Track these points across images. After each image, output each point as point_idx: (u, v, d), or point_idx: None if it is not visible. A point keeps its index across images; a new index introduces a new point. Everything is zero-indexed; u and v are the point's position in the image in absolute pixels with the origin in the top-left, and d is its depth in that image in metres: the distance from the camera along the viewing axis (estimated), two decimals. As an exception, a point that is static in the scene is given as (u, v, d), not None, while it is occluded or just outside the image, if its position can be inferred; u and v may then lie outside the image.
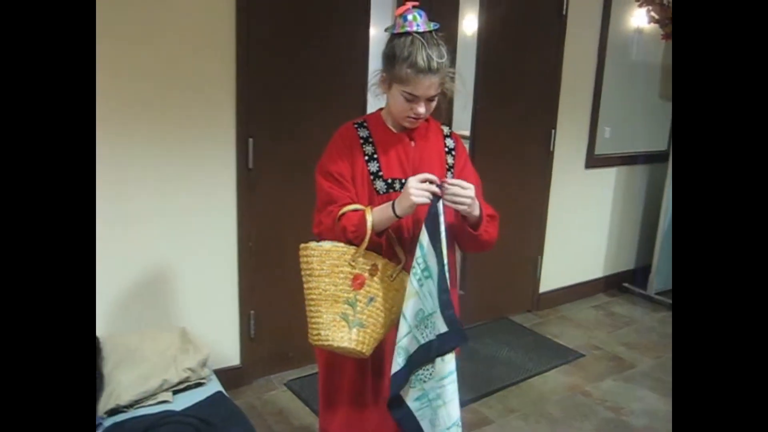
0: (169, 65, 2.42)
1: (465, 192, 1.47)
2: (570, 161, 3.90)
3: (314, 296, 1.53)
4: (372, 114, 1.70)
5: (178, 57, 2.43)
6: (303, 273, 1.54)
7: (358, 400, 1.69)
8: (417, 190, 1.45)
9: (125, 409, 1.96)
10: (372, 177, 1.60)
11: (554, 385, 3.06)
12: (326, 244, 1.53)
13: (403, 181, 1.58)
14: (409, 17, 1.50)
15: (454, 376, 1.48)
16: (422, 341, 1.50)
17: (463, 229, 1.57)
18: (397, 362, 1.50)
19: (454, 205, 1.48)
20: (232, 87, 2.58)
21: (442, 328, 1.46)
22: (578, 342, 3.57)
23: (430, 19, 1.54)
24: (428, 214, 1.46)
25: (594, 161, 4.02)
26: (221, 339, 2.79)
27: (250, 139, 2.65)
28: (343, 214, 1.54)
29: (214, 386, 2.16)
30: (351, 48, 2.87)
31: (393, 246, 1.60)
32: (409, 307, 1.49)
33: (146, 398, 2.01)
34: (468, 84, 3.28)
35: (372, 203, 1.58)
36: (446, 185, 1.47)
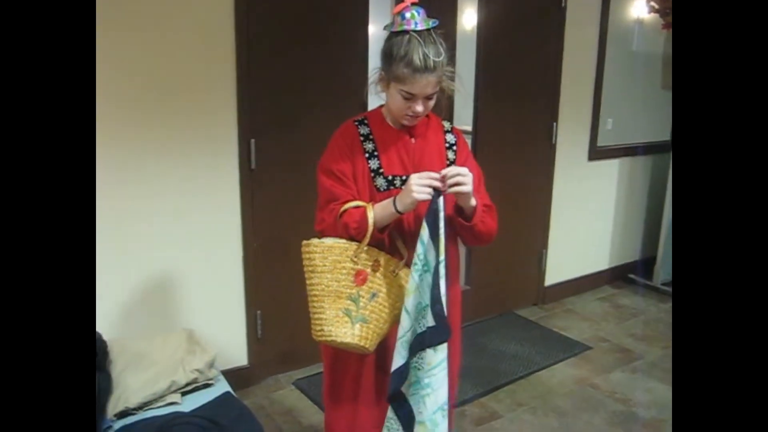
0: (169, 69, 2.43)
1: (465, 179, 1.48)
2: (572, 153, 3.89)
3: (317, 292, 1.54)
4: (373, 111, 1.70)
5: (178, 61, 2.44)
6: (306, 270, 1.55)
7: (362, 395, 1.70)
8: (418, 186, 1.46)
9: (134, 412, 1.98)
10: (373, 174, 1.60)
11: (562, 378, 3.06)
12: (328, 241, 1.54)
13: (404, 178, 1.59)
14: (407, 15, 1.49)
15: (444, 364, 1.50)
16: (418, 331, 1.52)
17: (458, 221, 1.58)
18: (401, 355, 1.51)
19: (458, 188, 1.47)
20: (233, 88, 2.59)
21: (431, 321, 1.49)
22: (585, 334, 3.56)
23: (429, 15, 1.53)
24: (429, 211, 1.48)
25: (597, 153, 4.01)
26: (228, 339, 2.80)
27: (252, 140, 2.66)
28: (345, 210, 1.55)
29: (222, 387, 2.17)
30: (351, 46, 2.87)
31: (395, 241, 1.61)
32: (410, 302, 1.51)
33: (155, 400, 2.02)
34: (467, 81, 3.28)
35: (373, 200, 1.58)
36: (447, 174, 1.47)
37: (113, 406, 1.96)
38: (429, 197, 1.46)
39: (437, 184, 1.47)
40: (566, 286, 4.10)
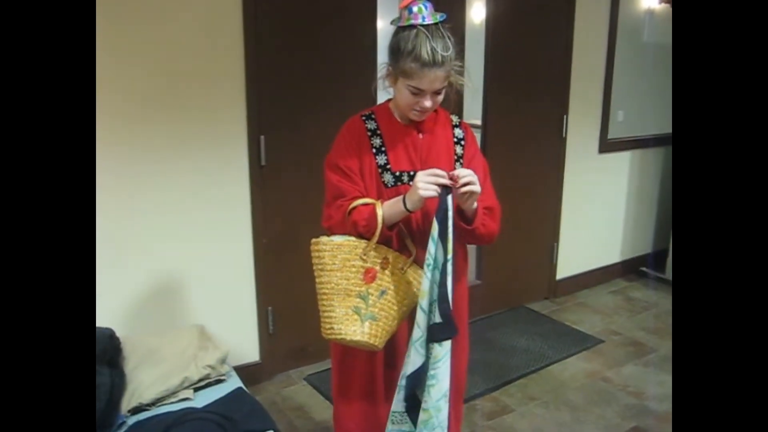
0: (178, 66, 2.43)
1: (474, 178, 1.47)
2: (583, 146, 3.86)
3: (326, 290, 1.54)
4: (380, 105, 1.68)
5: (187, 57, 2.45)
6: (315, 268, 1.55)
7: (370, 392, 1.70)
8: (424, 183, 1.45)
9: (148, 408, 1.99)
10: (380, 170, 1.59)
11: (574, 372, 3.05)
12: (337, 239, 1.54)
13: (412, 173, 1.58)
14: (414, 9, 1.48)
15: (448, 356, 1.52)
16: (430, 323, 1.53)
17: (459, 224, 1.57)
18: (420, 354, 1.51)
19: (469, 188, 1.46)
20: (242, 85, 2.59)
21: (438, 318, 1.49)
22: (597, 328, 3.55)
23: (437, 9, 1.51)
24: (438, 209, 1.47)
25: (607, 145, 3.97)
26: (240, 336, 2.82)
27: (262, 137, 2.67)
28: (354, 208, 1.54)
29: (234, 382, 2.18)
30: (359, 42, 2.86)
31: (403, 239, 1.61)
32: (425, 302, 1.50)
33: (168, 396, 2.04)
34: (476, 75, 3.26)
35: (381, 196, 1.58)
36: (459, 174, 1.46)
37: (127, 402, 1.98)
38: (435, 194, 1.45)
39: (443, 181, 1.46)
40: (578, 279, 4.08)
